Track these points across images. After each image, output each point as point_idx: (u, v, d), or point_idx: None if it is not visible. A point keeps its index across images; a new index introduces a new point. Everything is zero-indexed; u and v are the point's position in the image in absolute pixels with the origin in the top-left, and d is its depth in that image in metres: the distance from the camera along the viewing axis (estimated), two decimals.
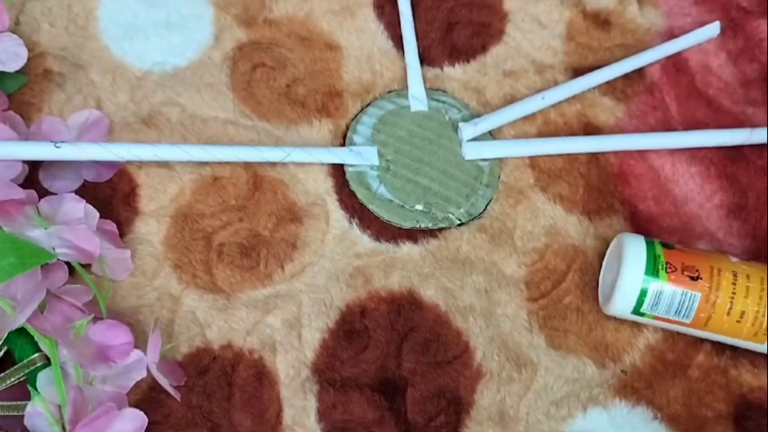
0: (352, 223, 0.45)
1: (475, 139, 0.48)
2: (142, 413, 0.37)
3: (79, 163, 0.44)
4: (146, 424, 0.37)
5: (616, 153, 0.48)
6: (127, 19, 0.49)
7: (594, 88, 0.50)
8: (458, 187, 0.46)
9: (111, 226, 0.42)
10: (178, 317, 0.42)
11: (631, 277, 0.41)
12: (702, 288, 0.40)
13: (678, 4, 0.54)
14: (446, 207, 0.46)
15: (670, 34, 0.52)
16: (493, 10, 0.52)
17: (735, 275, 0.41)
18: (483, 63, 0.51)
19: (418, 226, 0.45)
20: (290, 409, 0.40)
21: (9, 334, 0.38)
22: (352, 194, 0.46)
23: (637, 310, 0.41)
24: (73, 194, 0.40)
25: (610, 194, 0.47)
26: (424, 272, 0.44)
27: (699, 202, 0.47)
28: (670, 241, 0.44)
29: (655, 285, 0.40)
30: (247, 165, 0.46)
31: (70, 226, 0.39)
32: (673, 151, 0.49)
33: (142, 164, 0.45)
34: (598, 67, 0.50)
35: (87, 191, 0.44)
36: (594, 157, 0.48)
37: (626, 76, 0.51)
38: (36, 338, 0.37)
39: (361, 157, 0.46)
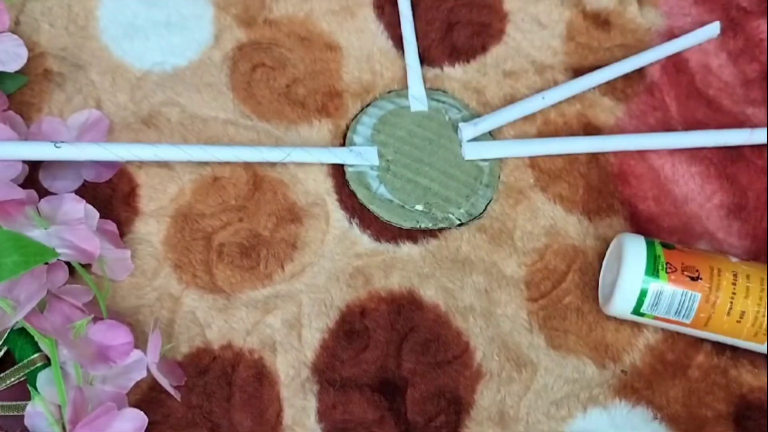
0: (352, 224, 0.45)
1: (475, 139, 0.48)
2: (142, 413, 0.37)
3: (79, 163, 0.44)
4: (146, 424, 0.37)
5: (616, 153, 0.48)
6: (127, 19, 0.49)
7: (594, 88, 0.50)
8: (458, 187, 0.46)
9: (111, 226, 0.42)
10: (178, 317, 0.42)
11: (631, 278, 0.41)
12: (702, 288, 0.40)
13: (678, 4, 0.54)
14: (446, 207, 0.46)
15: (670, 34, 0.52)
16: (493, 10, 0.52)
17: (735, 275, 0.41)
18: (483, 63, 0.51)
19: (418, 226, 0.45)
20: (290, 409, 0.40)
21: (9, 334, 0.38)
22: (352, 194, 0.46)
23: (637, 311, 0.41)
24: (73, 194, 0.40)
25: (610, 194, 0.47)
26: (424, 272, 0.44)
27: (699, 202, 0.47)
28: (670, 242, 0.44)
29: (655, 285, 0.40)
30: (247, 165, 0.46)
31: (70, 226, 0.39)
32: (673, 151, 0.49)
33: (142, 164, 0.45)
34: (598, 67, 0.50)
35: (87, 191, 0.44)
36: (594, 157, 0.48)
37: (626, 76, 0.51)
38: (36, 338, 0.37)
39: (361, 157, 0.46)
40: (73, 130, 0.45)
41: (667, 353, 0.43)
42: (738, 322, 0.40)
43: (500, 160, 0.48)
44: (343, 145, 0.47)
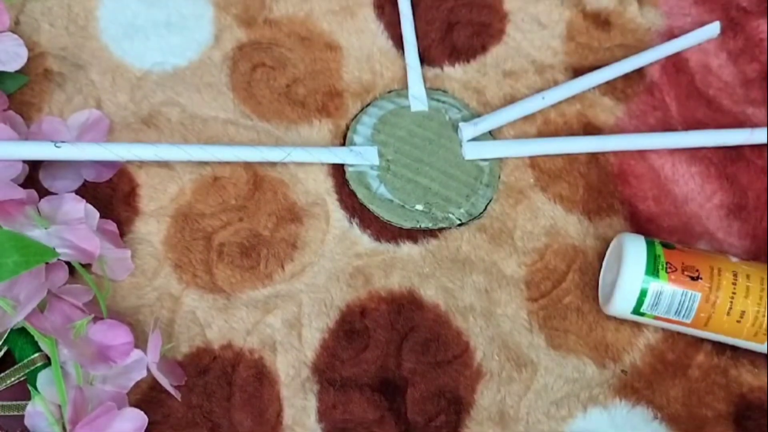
0: (352, 223, 0.45)
1: (475, 139, 0.48)
2: (142, 413, 0.37)
3: (79, 163, 0.44)
4: (146, 424, 0.37)
5: (616, 153, 0.48)
6: (127, 19, 0.49)
7: (594, 88, 0.50)
8: (458, 187, 0.46)
9: (111, 226, 0.42)
10: (178, 317, 0.42)
11: (631, 277, 0.41)
12: (702, 288, 0.40)
13: (678, 4, 0.54)
14: (446, 207, 0.46)
15: (670, 34, 0.52)
16: (493, 10, 0.52)
17: (735, 275, 0.41)
18: (483, 63, 0.51)
19: (418, 226, 0.45)
20: (290, 409, 0.40)
21: (9, 333, 0.38)
22: (353, 194, 0.46)
23: (637, 310, 0.41)
24: (73, 194, 0.40)
25: (610, 194, 0.47)
26: (424, 272, 0.44)
27: (699, 202, 0.47)
28: (670, 241, 0.44)
29: (655, 285, 0.40)
30: (247, 165, 0.46)
31: (71, 226, 0.39)
32: (673, 151, 0.49)
33: (142, 164, 0.45)
34: (598, 67, 0.50)
35: (87, 191, 0.44)
36: (594, 157, 0.48)
37: (626, 76, 0.51)
38: (36, 338, 0.37)
39: (361, 157, 0.46)
40: (73, 129, 0.45)
41: (668, 353, 0.43)
42: (738, 321, 0.40)
43: (500, 159, 0.48)
44: (343, 144, 0.47)
